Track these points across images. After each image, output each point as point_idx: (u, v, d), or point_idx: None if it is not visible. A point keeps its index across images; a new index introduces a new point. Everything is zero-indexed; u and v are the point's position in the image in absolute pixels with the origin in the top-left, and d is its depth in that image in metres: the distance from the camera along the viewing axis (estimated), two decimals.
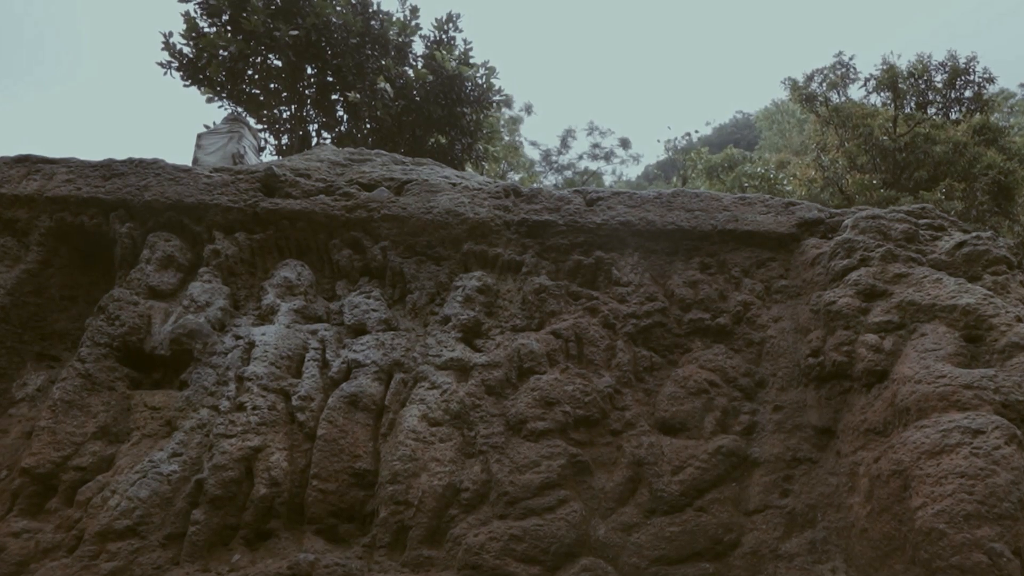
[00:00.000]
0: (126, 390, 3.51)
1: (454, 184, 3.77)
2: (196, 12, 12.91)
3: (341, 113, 15.33)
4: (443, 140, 15.08)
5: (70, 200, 3.77)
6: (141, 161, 3.86)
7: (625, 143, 23.08)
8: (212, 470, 3.08)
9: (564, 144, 23.92)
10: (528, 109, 24.33)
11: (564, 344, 3.46)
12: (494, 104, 16.33)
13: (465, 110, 15.52)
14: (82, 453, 3.28)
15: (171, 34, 13.14)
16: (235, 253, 3.72)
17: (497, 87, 15.97)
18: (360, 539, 3.10)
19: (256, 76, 14.25)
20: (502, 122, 17.65)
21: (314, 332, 3.53)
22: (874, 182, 15.66)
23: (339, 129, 15.26)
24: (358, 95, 13.65)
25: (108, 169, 3.85)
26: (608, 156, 23.43)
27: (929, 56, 16.16)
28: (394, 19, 14.69)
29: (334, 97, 14.95)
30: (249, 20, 12.36)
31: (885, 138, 15.88)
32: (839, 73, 17.40)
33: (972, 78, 16.07)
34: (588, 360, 3.44)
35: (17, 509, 3.15)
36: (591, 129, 23.25)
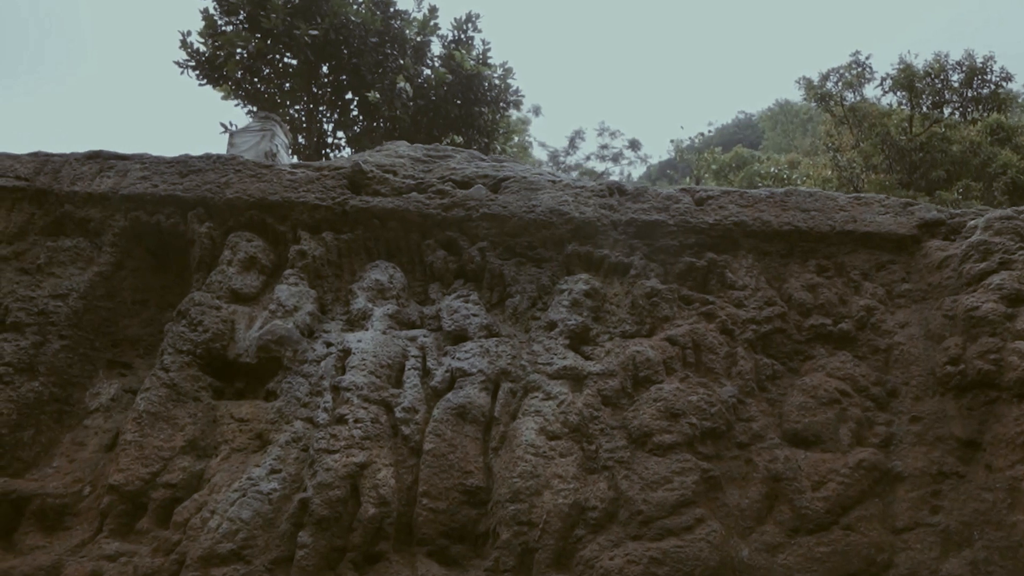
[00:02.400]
0: (211, 400, 3.29)
1: (554, 181, 3.57)
2: (215, 10, 12.68)
3: (356, 113, 15.13)
4: (459, 140, 14.91)
5: (146, 198, 3.54)
6: (219, 157, 3.63)
7: (635, 144, 22.96)
8: (317, 488, 2.86)
9: (572, 145, 23.77)
10: (536, 111, 24.20)
11: (681, 351, 3.27)
12: (511, 104, 16.16)
13: (483, 110, 15.35)
14: (171, 469, 3.05)
15: (189, 33, 12.90)
16: (322, 254, 3.50)
17: (514, 87, 15.81)
18: (477, 562, 2.89)
19: (271, 75, 14.03)
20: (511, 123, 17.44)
21: (413, 339, 3.32)
22: (887, 183, 15.59)
23: (354, 129, 15.04)
24: (378, 94, 13.44)
25: (184, 165, 3.62)
26: (616, 157, 23.30)
27: (946, 55, 16.10)
28: (413, 18, 14.49)
29: (348, 96, 14.73)
30: (268, 18, 12.14)
31: (903, 138, 15.80)
32: (855, 73, 17.31)
33: (989, 77, 16.02)
34: (707, 368, 3.25)
35: (107, 530, 2.92)
36: (601, 130, 23.09)
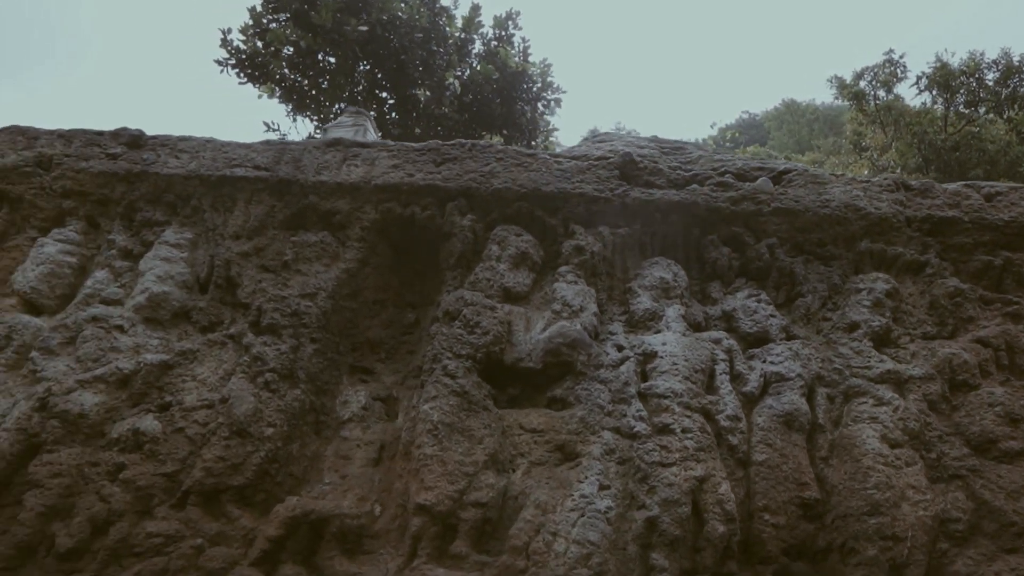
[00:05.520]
0: (496, 409, 3.02)
1: (837, 175, 3.37)
2: (262, 7, 12.29)
3: (392, 112, 14.83)
4: (497, 139, 14.69)
5: (402, 188, 3.25)
6: (475, 144, 3.36)
7: None
8: (663, 506, 2.62)
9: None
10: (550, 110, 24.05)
11: (993, 354, 3.10)
12: (552, 102, 15.97)
13: (526, 108, 15.15)
14: (477, 486, 2.77)
15: (229, 31, 12.49)
16: (599, 250, 3.25)
17: (555, 84, 15.60)
18: None
19: (311, 73, 13.67)
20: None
21: (717, 341, 3.09)
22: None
23: (391, 128, 14.74)
24: (428, 92, 13.15)
25: (438, 153, 3.34)
26: None
27: (982, 53, 16.25)
28: (456, 16, 14.24)
29: (383, 95, 14.43)
30: (320, 14, 11.78)
31: (941, 136, 15.88)
32: (888, 71, 17.38)
33: None
34: (1022, 371, 3.07)
35: (424, 554, 2.64)
36: (617, 130, 22.96)
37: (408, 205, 3.28)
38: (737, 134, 21.46)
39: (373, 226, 3.29)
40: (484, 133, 15.22)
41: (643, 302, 3.19)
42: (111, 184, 3.34)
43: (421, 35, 13.86)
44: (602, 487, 2.71)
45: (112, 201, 3.37)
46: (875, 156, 16.81)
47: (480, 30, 15.09)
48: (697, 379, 2.95)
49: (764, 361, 3.04)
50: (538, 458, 2.91)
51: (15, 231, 3.36)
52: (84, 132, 3.42)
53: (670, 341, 3.02)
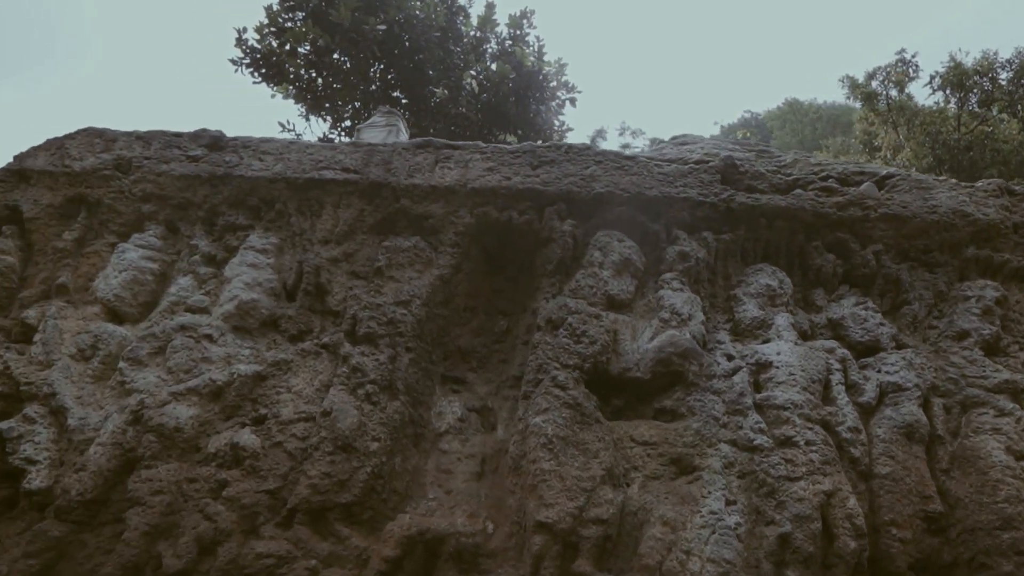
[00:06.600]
0: (606, 421, 2.92)
1: (940, 180, 3.29)
2: (278, 6, 12.12)
3: (404, 111, 14.67)
4: (512, 138, 14.57)
5: (499, 192, 3.15)
6: (571, 147, 3.26)
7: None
8: (795, 522, 2.54)
9: (594, 144, 23.50)
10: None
11: None
12: (567, 101, 15.86)
13: (541, 108, 15.04)
14: (596, 502, 2.66)
15: (245, 30, 12.33)
16: (704, 256, 3.16)
17: (571, 84, 15.49)
18: None
19: (326, 72, 13.51)
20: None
21: (831, 350, 3.01)
22: None
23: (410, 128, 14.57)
24: (446, 91, 13.03)
25: (533, 156, 3.23)
26: None
27: (995, 52, 16.28)
28: (472, 15, 14.11)
29: (396, 94, 14.29)
30: (339, 12, 11.63)
31: (955, 136, 15.89)
32: (900, 71, 17.37)
33: None
34: None
35: (547, 574, 2.54)
36: (622, 129, 22.88)
37: (505, 209, 3.17)
38: (747, 133, 21.42)
39: (467, 231, 3.18)
40: (499, 133, 15.11)
41: (749, 310, 3.10)
42: (193, 187, 3.21)
43: (438, 34, 13.73)
44: (728, 502, 2.62)
45: (193, 205, 3.24)
46: (888, 156, 16.81)
47: (495, 29, 14.96)
48: (815, 390, 2.86)
49: (878, 371, 2.96)
50: (653, 472, 2.81)
51: (93, 236, 3.23)
52: (163, 134, 3.30)
53: (784, 351, 2.93)
